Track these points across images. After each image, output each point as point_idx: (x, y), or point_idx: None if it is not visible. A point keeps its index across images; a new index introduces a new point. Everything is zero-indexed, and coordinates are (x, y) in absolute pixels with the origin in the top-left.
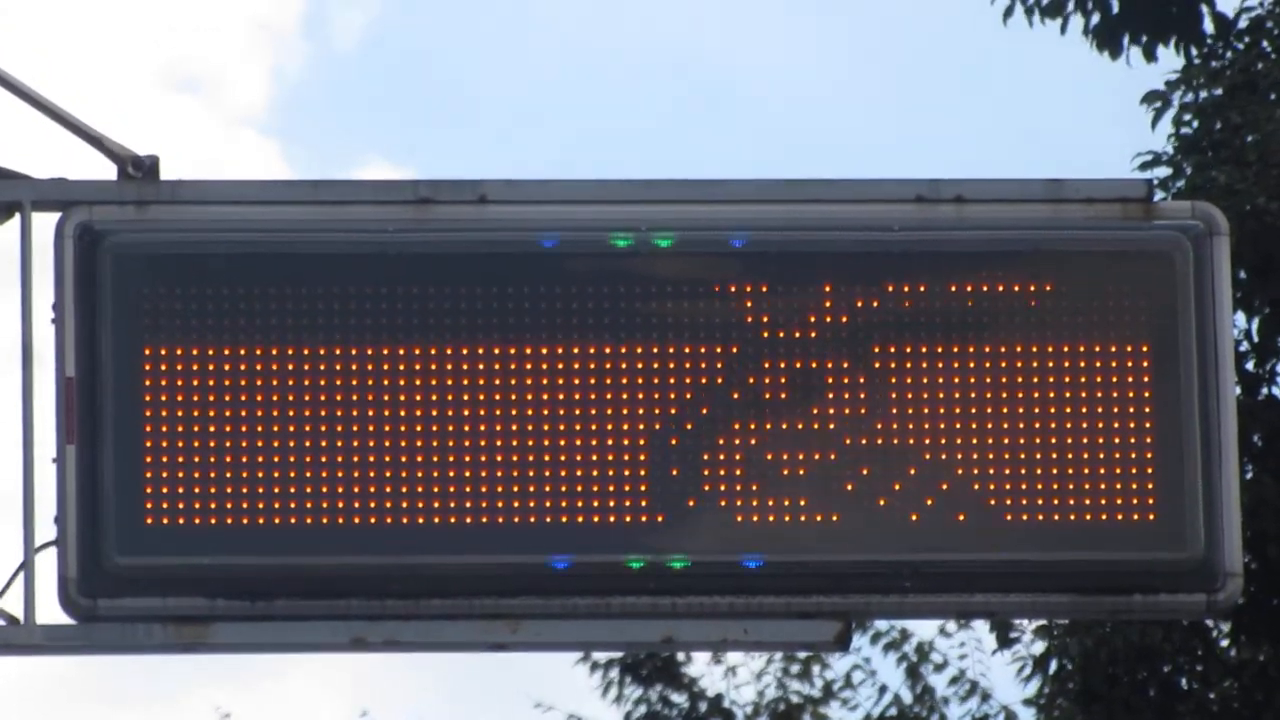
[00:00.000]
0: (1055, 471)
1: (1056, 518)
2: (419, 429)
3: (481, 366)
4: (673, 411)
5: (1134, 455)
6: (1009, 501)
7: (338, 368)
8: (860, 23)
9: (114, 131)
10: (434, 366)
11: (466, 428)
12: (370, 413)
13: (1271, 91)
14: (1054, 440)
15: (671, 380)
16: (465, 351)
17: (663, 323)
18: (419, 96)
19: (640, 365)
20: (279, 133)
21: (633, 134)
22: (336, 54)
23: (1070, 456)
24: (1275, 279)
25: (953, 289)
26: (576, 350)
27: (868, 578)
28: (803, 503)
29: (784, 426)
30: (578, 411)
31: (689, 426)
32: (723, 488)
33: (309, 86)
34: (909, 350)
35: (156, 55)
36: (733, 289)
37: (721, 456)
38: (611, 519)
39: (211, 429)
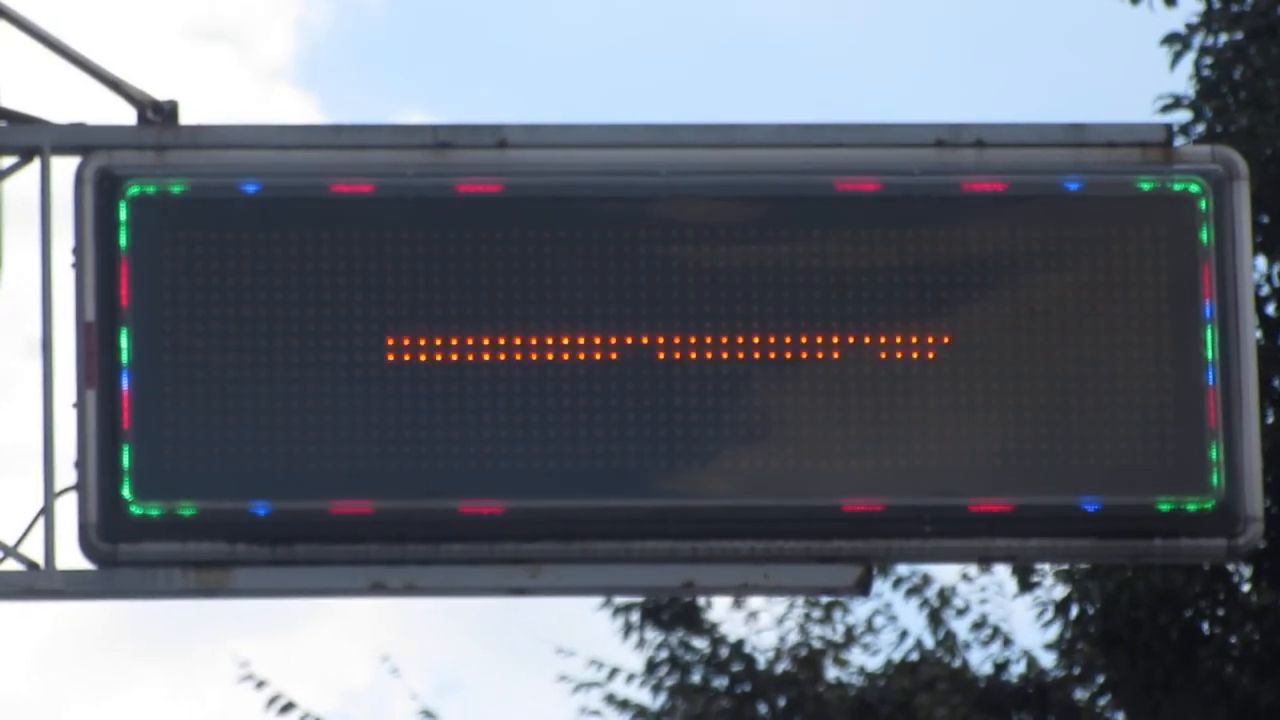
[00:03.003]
0: (1076, 415)
1: (1076, 462)
2: (438, 373)
3: (500, 311)
4: (692, 356)
5: (1154, 399)
6: (1029, 445)
7: (357, 312)
8: None
9: (138, 79)
10: (453, 311)
11: (485, 373)
12: (390, 357)
13: None
14: (1074, 384)
15: (691, 324)
16: (485, 297)
17: (681, 268)
18: (449, 48)
19: (659, 310)
20: (313, 87)
21: (658, 82)
22: (362, 7)
23: (1091, 400)
24: None
25: (972, 233)
26: (597, 295)
27: (888, 522)
28: (823, 446)
29: (804, 371)
30: (597, 356)
31: (709, 371)
32: (743, 431)
33: (336, 40)
34: (929, 294)
35: (182, 8)
36: (752, 234)
37: (742, 401)
38: (632, 463)
39: (230, 373)
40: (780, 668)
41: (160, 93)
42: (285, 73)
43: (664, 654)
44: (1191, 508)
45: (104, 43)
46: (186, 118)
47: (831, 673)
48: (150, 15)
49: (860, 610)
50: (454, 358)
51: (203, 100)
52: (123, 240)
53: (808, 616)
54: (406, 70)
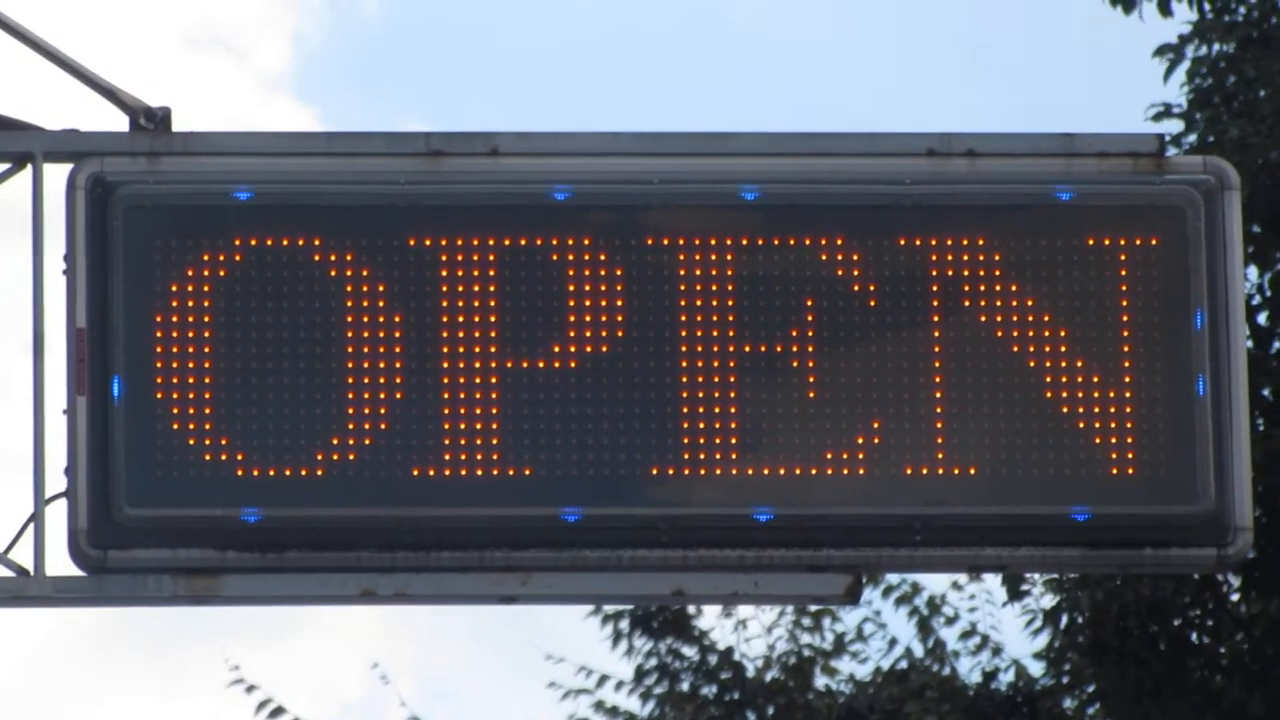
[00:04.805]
0: (1065, 425)
1: (1067, 471)
2: (429, 380)
3: (493, 319)
4: (683, 364)
5: (1145, 409)
6: (1019, 455)
7: (348, 320)
8: None
9: (134, 87)
10: (445, 319)
11: (477, 379)
12: (381, 364)
13: None
14: (1064, 394)
15: (683, 334)
16: (477, 304)
17: (673, 276)
18: (446, 58)
19: (651, 319)
20: (311, 98)
21: (651, 91)
22: (357, 18)
23: (1081, 410)
24: None
25: (964, 242)
26: (589, 303)
27: (878, 531)
28: (813, 456)
29: (795, 380)
30: (589, 365)
31: (700, 379)
32: (734, 440)
33: (332, 51)
34: (920, 304)
35: (178, 18)
36: (744, 242)
37: (733, 409)
38: (623, 471)
39: (222, 380)
40: (769, 676)
41: (157, 101)
42: (282, 84)
43: (653, 661)
44: (1181, 517)
45: (100, 51)
46: (183, 126)
47: (820, 681)
48: (146, 24)
49: (849, 618)
50: (445, 365)
51: (200, 110)
52: (114, 247)
53: (797, 624)
54: (404, 82)
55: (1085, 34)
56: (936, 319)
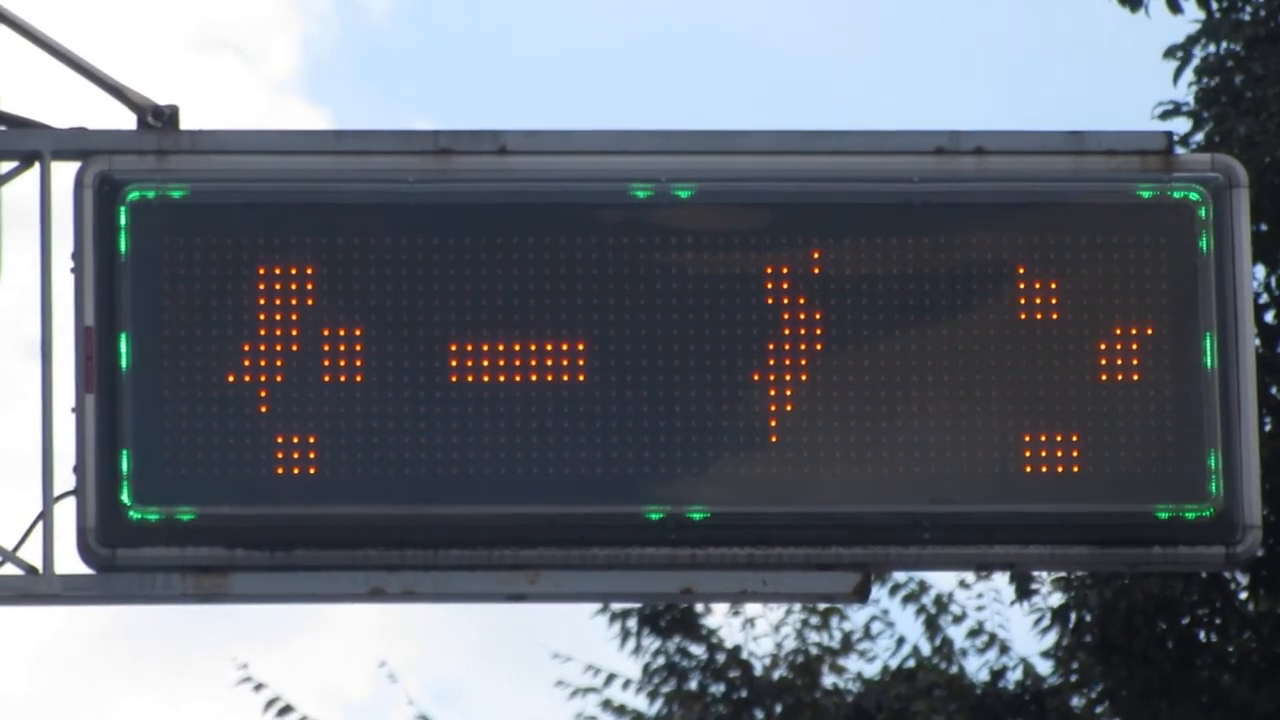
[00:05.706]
0: (1074, 423)
1: (1076, 469)
2: (437, 379)
3: (501, 318)
4: (691, 363)
5: (1153, 407)
6: (1028, 453)
7: (356, 318)
8: None
9: (143, 88)
10: (453, 318)
11: (485, 378)
12: (389, 363)
13: None
14: (1073, 392)
15: (691, 332)
16: (485, 303)
17: (681, 274)
18: (455, 58)
19: (659, 317)
20: (320, 99)
21: (659, 90)
22: (365, 21)
23: (1090, 408)
24: None
25: (972, 240)
26: (595, 302)
27: (886, 529)
28: (822, 454)
29: (803, 378)
30: (596, 363)
31: (708, 378)
32: (741, 439)
33: (341, 53)
34: (928, 302)
35: (186, 19)
36: (751, 240)
37: (740, 408)
38: (630, 469)
39: (230, 378)
40: (777, 674)
41: (165, 102)
42: (291, 86)
43: (661, 660)
44: (1190, 516)
45: (108, 51)
46: (191, 126)
47: (828, 679)
48: (155, 26)
49: (857, 617)
50: (453, 364)
51: (210, 113)
52: (122, 245)
53: (805, 623)
54: (413, 84)
55: (1093, 32)
56: (944, 317)
